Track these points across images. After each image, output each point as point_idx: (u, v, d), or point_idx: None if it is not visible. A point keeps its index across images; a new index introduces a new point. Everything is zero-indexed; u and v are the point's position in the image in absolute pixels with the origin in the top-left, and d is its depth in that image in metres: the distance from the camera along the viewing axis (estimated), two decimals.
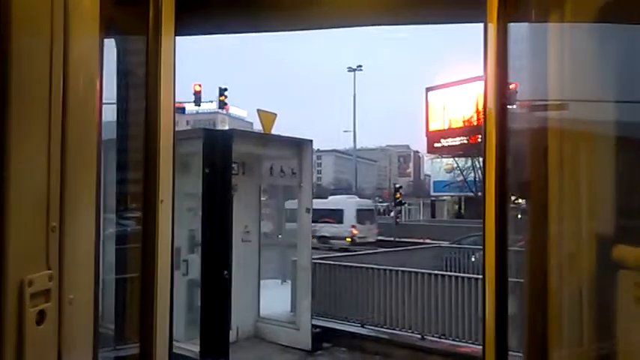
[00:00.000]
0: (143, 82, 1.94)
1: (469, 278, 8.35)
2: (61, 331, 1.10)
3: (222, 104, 31.63)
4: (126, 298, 2.09)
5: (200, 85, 29.63)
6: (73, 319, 1.14)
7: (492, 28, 2.01)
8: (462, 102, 37.22)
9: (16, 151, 0.99)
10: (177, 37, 2.07)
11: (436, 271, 9.44)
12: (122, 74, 2.02)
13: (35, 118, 1.06)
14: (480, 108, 33.42)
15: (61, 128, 1.11)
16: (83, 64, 1.20)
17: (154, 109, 1.95)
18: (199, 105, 32.01)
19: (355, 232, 26.96)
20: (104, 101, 1.38)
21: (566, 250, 2.10)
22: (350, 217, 27.40)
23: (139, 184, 1.99)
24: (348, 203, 29.30)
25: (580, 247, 2.03)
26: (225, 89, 30.65)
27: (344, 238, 21.76)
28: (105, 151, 1.37)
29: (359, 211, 28.90)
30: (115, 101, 1.99)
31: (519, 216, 2.51)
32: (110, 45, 1.76)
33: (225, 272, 7.65)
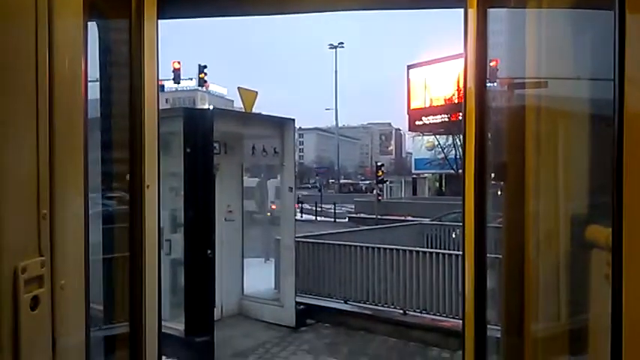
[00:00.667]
0: (126, 68, 1.94)
1: (449, 255, 8.51)
2: (54, 316, 1.13)
3: (202, 82, 31.24)
4: (116, 281, 2.13)
5: (179, 63, 29.18)
6: (66, 303, 1.17)
7: (472, 13, 2.05)
8: (443, 79, 37.28)
9: (4, 140, 1.00)
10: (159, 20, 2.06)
11: (417, 248, 9.60)
12: (104, 59, 2.00)
13: (22, 105, 1.07)
14: (461, 85, 33.39)
15: (48, 115, 1.11)
16: (68, 49, 1.20)
17: (138, 95, 1.95)
18: (179, 83, 31.59)
19: (273, 207, 29.82)
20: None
21: (543, 226, 2.18)
22: (270, 195, 29.66)
23: (124, 170, 1.99)
24: (269, 183, 30.98)
25: (556, 225, 2.10)
26: (205, 66, 30.24)
27: (265, 213, 24.38)
28: (90, 139, 1.37)
29: (278, 189, 31.56)
30: (98, 89, 1.98)
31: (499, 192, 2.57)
32: (93, 29, 1.74)
33: (209, 251, 7.68)
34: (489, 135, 2.33)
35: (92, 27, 1.62)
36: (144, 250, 1.98)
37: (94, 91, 1.76)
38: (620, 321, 1.03)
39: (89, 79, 1.36)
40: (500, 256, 2.34)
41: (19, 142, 1.05)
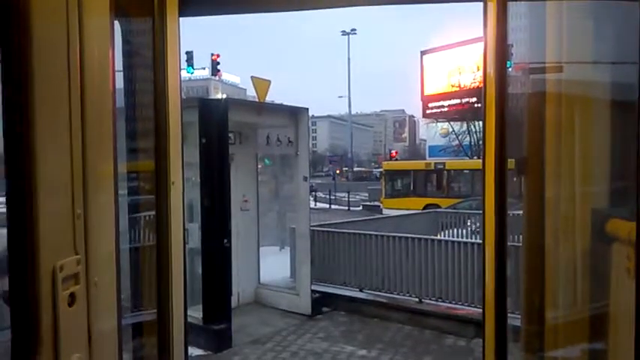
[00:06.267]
0: (148, 67, 1.98)
1: (465, 243, 8.50)
2: (89, 310, 1.17)
3: (215, 70, 31.36)
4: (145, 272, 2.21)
5: (192, 51, 29.31)
6: (100, 298, 1.21)
7: (492, 6, 2.04)
8: (457, 65, 36.87)
9: (42, 142, 1.02)
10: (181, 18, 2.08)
11: (432, 236, 9.58)
12: (128, 58, 2.04)
13: (57, 107, 1.09)
14: (475, 71, 33.21)
15: (80, 117, 1.14)
16: (97, 46, 1.22)
17: (162, 94, 1.99)
18: (192, 72, 31.77)
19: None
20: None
21: (564, 217, 2.17)
22: None
23: (150, 168, 2.06)
24: None
25: (577, 216, 2.09)
26: (218, 55, 30.35)
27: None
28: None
29: None
30: (122, 87, 2.02)
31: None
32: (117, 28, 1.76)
33: (225, 241, 7.75)
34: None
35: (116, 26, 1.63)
36: (170, 244, 2.05)
37: (119, 90, 1.80)
38: None
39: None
40: (521, 245, 2.34)
41: (55, 144, 1.08)
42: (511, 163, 2.24)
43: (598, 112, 2.13)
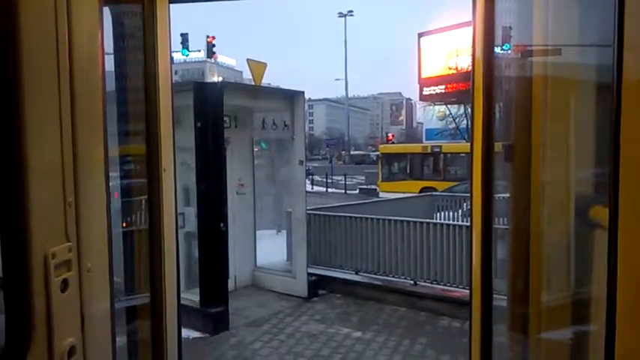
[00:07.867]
0: (138, 54, 1.98)
1: (460, 226, 8.57)
2: (82, 296, 1.20)
3: (211, 53, 31.12)
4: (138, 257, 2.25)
5: (187, 34, 29.12)
6: (92, 284, 1.24)
7: None
8: (454, 48, 36.58)
9: (32, 132, 1.04)
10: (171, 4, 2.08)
11: (428, 220, 9.63)
12: (118, 45, 2.04)
13: (47, 95, 1.10)
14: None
15: (70, 105, 1.15)
16: (86, 32, 1.23)
17: (152, 80, 2.00)
18: (187, 55, 31.58)
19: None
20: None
21: (550, 200, 2.20)
22: None
23: (141, 155, 2.07)
24: None
25: (562, 199, 2.13)
26: (213, 37, 30.12)
27: None
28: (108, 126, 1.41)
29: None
30: (113, 74, 2.03)
31: None
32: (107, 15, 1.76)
33: (222, 224, 7.80)
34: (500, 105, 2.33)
35: (106, 12, 1.64)
36: (162, 230, 2.08)
37: (110, 78, 1.81)
38: (614, 298, 1.07)
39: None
40: (508, 228, 2.38)
41: (45, 132, 1.10)
42: (498, 146, 2.26)
43: (586, 97, 2.14)
